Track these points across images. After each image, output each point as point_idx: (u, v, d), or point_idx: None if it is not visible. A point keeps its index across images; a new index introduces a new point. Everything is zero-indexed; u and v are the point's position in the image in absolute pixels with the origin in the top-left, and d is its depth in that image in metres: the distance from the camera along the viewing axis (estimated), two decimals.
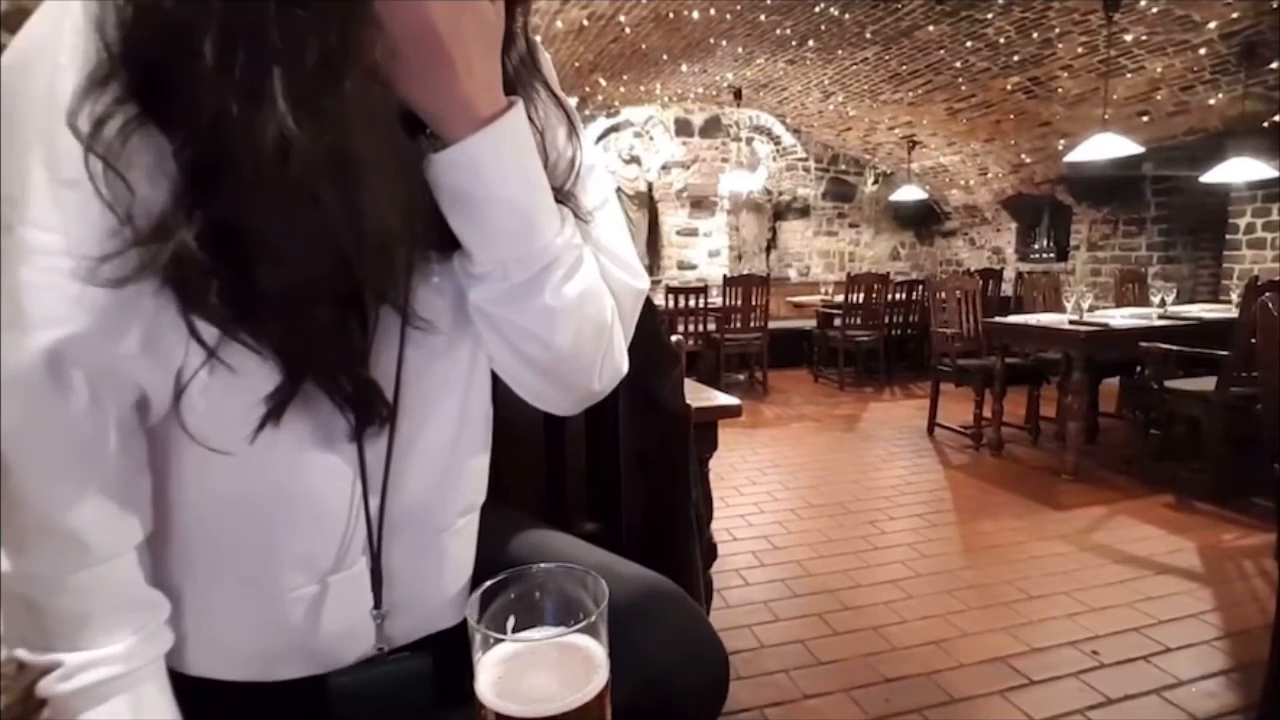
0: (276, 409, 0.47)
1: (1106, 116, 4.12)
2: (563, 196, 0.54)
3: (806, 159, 7.49)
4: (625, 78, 5.61)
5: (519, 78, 0.53)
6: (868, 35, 4.59)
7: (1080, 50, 4.26)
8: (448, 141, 0.46)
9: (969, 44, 4.48)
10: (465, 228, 0.49)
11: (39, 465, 0.45)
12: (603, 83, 5.64)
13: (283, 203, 0.40)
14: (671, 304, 5.24)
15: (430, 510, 0.60)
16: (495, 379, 0.62)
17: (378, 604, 0.56)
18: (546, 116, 0.55)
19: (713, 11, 4.28)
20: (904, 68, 5.05)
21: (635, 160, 6.95)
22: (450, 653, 0.52)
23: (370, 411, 0.51)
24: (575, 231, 0.53)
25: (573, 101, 0.59)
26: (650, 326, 0.62)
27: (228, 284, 0.41)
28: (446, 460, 0.59)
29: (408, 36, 0.42)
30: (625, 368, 0.60)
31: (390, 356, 0.52)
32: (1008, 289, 6.28)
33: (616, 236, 0.59)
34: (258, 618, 0.55)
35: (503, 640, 0.44)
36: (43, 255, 0.40)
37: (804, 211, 7.61)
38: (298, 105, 0.38)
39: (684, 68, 5.44)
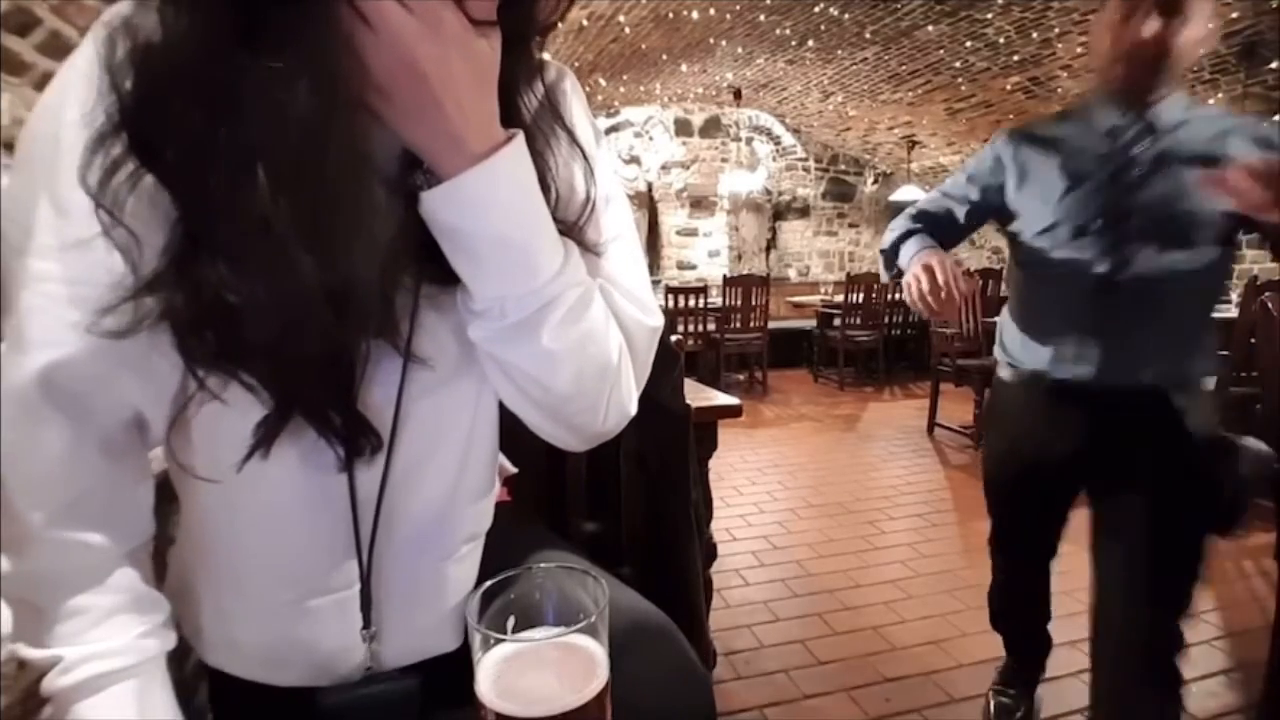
0: (265, 440, 0.47)
1: None
2: (573, 232, 0.52)
3: (806, 159, 7.49)
4: (625, 78, 5.61)
5: (534, 114, 0.52)
6: (867, 35, 4.59)
7: (1080, 50, 4.26)
8: (441, 177, 0.45)
9: (969, 44, 4.48)
10: (461, 263, 0.48)
11: (29, 478, 0.47)
12: (603, 83, 5.64)
13: (263, 266, 0.41)
14: (671, 304, 5.23)
15: (431, 540, 0.59)
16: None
17: (367, 626, 0.57)
18: (560, 152, 0.53)
19: (712, 11, 4.28)
20: (904, 68, 5.06)
21: (635, 160, 6.95)
22: (450, 675, 0.51)
23: (359, 443, 0.50)
24: (580, 269, 0.51)
25: None
26: None
27: (217, 332, 0.43)
28: (449, 492, 0.58)
29: (395, 80, 0.42)
30: (633, 409, 0.58)
31: (388, 388, 0.52)
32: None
33: (630, 270, 0.57)
34: (260, 623, 0.56)
35: (503, 640, 0.44)
36: (42, 281, 0.44)
37: (804, 211, 7.61)
38: (279, 187, 0.39)
39: (684, 68, 5.45)
